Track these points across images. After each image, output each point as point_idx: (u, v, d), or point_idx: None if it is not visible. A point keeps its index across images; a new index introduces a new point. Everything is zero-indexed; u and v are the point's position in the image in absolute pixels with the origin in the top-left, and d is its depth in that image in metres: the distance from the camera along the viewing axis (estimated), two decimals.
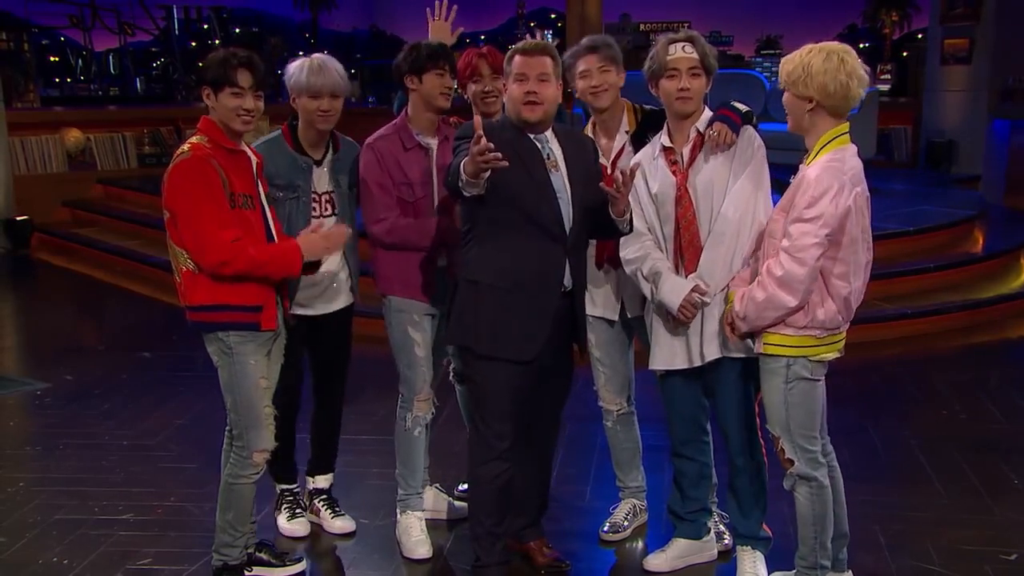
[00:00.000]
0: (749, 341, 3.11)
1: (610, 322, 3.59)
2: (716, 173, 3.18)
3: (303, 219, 3.48)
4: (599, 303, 3.55)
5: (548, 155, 3.15)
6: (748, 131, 3.21)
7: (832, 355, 3.04)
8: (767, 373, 3.07)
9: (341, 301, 3.68)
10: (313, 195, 3.52)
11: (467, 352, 3.23)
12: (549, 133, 3.18)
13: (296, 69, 3.44)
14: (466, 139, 2.99)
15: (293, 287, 3.47)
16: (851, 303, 3.01)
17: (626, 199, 3.04)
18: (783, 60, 3.00)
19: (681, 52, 3.16)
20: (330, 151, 3.57)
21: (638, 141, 3.44)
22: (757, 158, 3.18)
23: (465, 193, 2.95)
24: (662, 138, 3.29)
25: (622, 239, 3.29)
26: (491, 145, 2.78)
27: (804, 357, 3.00)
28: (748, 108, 3.24)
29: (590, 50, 3.40)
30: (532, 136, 3.14)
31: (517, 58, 3.12)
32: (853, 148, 2.98)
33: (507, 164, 2.84)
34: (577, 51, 3.43)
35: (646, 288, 3.28)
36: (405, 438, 3.69)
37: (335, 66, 3.47)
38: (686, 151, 3.22)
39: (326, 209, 3.56)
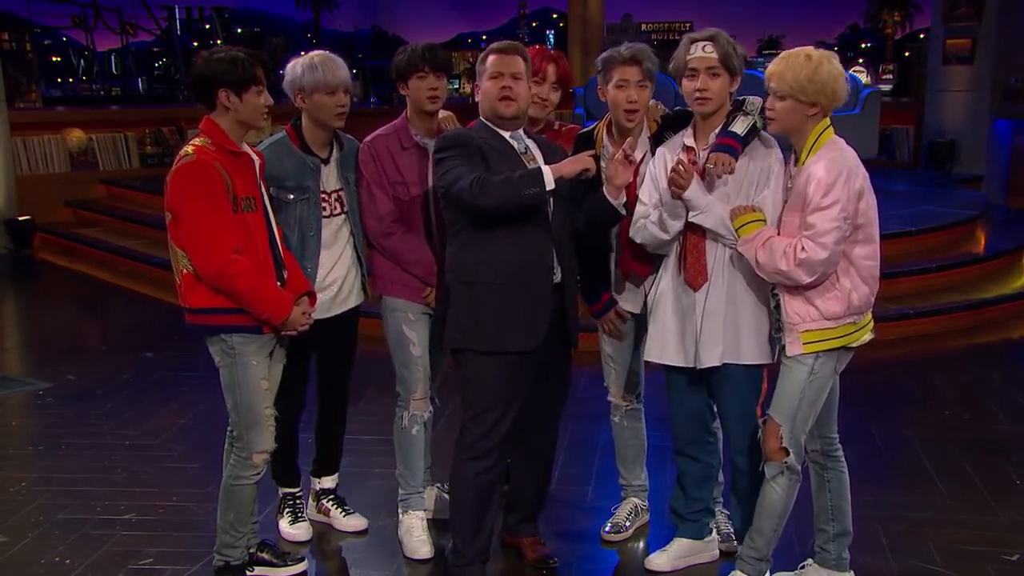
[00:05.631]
0: (766, 346, 3.14)
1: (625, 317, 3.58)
2: (732, 182, 3.12)
3: (314, 220, 3.47)
4: (624, 297, 3.53)
5: (525, 150, 3.22)
6: (768, 141, 3.16)
7: (868, 336, 3.08)
8: (792, 365, 3.05)
9: (351, 301, 3.67)
10: (322, 194, 3.50)
11: (466, 352, 3.21)
12: (521, 132, 3.26)
13: (305, 68, 3.39)
14: (459, 147, 3.08)
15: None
16: (878, 278, 3.06)
17: (621, 168, 3.13)
18: (773, 70, 2.94)
19: (700, 52, 3.12)
20: (335, 149, 3.56)
21: (657, 142, 3.40)
22: (776, 171, 3.12)
23: (531, 201, 3.02)
24: (685, 136, 3.26)
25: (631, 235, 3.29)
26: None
27: (845, 347, 3.02)
28: (753, 120, 3.12)
29: (632, 61, 3.31)
30: (508, 135, 3.21)
31: (492, 57, 3.22)
32: (840, 139, 3.02)
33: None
34: (616, 57, 3.34)
35: (660, 226, 3.18)
36: (403, 437, 3.69)
37: (340, 60, 3.47)
38: (704, 155, 3.16)
39: (335, 208, 3.54)
